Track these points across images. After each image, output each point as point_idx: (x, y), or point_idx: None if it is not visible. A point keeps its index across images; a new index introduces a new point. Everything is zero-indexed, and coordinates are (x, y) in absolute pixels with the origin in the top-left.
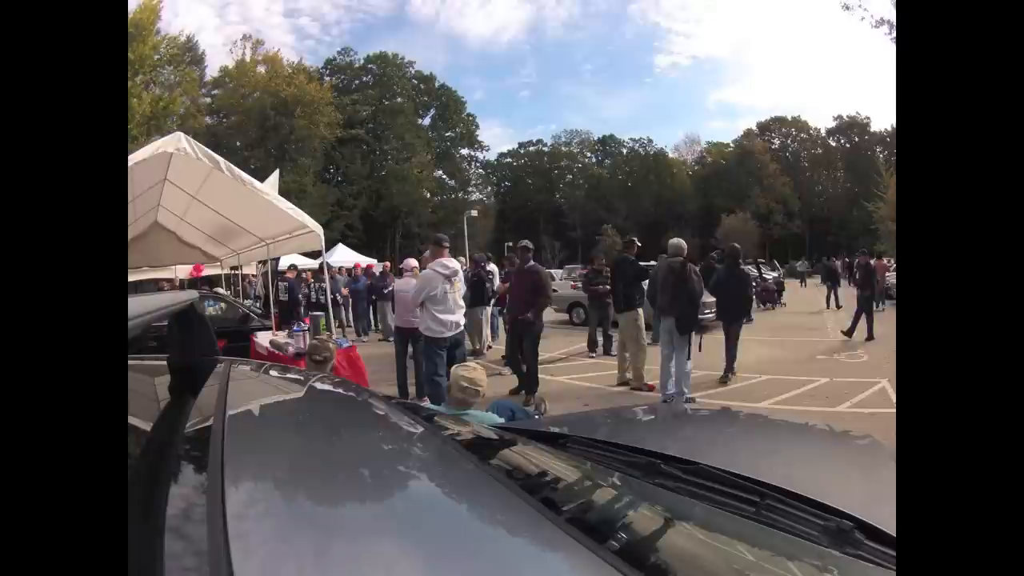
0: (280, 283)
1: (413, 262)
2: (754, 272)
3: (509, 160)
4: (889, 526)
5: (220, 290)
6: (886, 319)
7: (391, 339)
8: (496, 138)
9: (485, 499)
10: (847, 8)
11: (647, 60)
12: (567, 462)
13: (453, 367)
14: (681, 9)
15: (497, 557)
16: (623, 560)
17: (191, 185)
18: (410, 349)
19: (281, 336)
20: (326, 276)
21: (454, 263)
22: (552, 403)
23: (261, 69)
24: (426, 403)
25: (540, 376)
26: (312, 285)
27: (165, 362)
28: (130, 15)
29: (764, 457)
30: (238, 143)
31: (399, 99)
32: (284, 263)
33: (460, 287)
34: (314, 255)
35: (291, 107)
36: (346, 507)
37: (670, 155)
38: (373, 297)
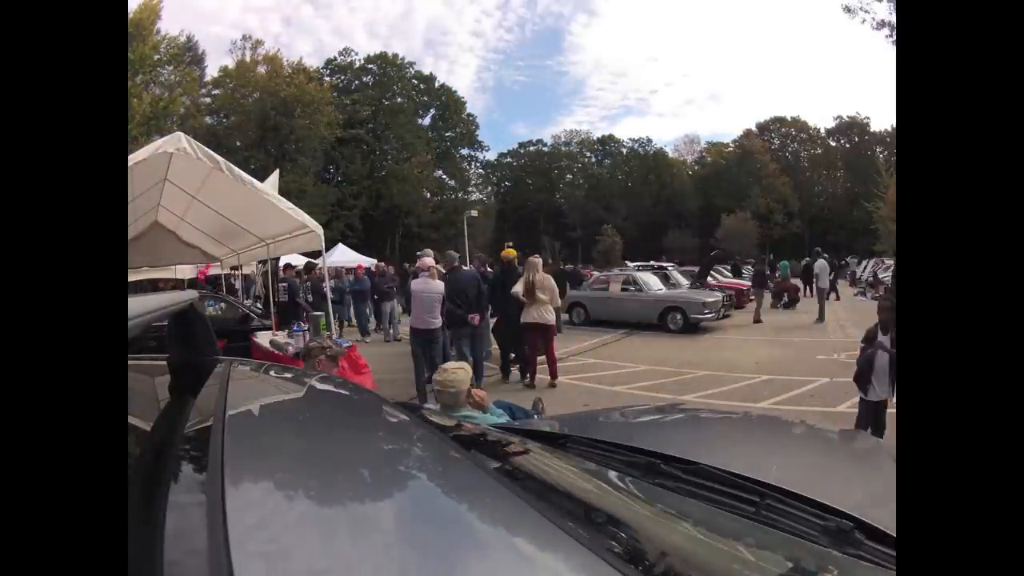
0: (280, 284)
1: (430, 261)
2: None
3: (509, 160)
4: (889, 526)
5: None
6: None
7: (396, 339)
8: None
9: (485, 499)
10: (848, 10)
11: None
12: (567, 462)
13: (435, 374)
14: (576, 93)
15: (497, 557)
16: (623, 560)
17: (191, 185)
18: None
19: (281, 336)
20: (325, 275)
21: None
22: (552, 403)
23: (261, 69)
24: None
25: (541, 376)
26: (304, 285)
27: (165, 362)
28: (130, 15)
29: (764, 457)
30: (238, 143)
31: (399, 99)
32: (284, 263)
33: None
34: (314, 255)
35: (291, 107)
36: (346, 507)
37: (670, 155)
38: (376, 297)
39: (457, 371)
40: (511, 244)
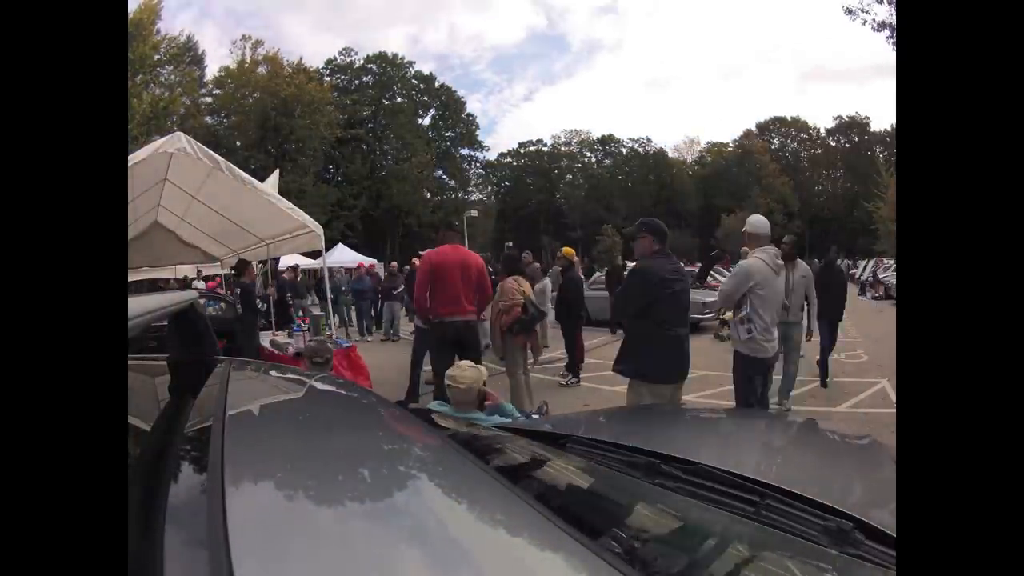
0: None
1: None
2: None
3: (509, 160)
4: (889, 526)
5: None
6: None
7: (395, 339)
8: None
9: (485, 499)
10: (849, 12)
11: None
12: (567, 462)
13: (448, 370)
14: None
15: (497, 557)
16: (623, 560)
17: (191, 185)
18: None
19: (281, 336)
20: (325, 276)
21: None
22: (552, 403)
23: (261, 69)
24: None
25: (540, 376)
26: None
27: (165, 362)
28: (130, 15)
29: (764, 457)
30: (238, 143)
31: (399, 99)
32: (284, 263)
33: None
34: (314, 255)
35: (291, 107)
36: (346, 507)
37: (670, 155)
38: (379, 296)
39: (471, 369)
40: (511, 244)
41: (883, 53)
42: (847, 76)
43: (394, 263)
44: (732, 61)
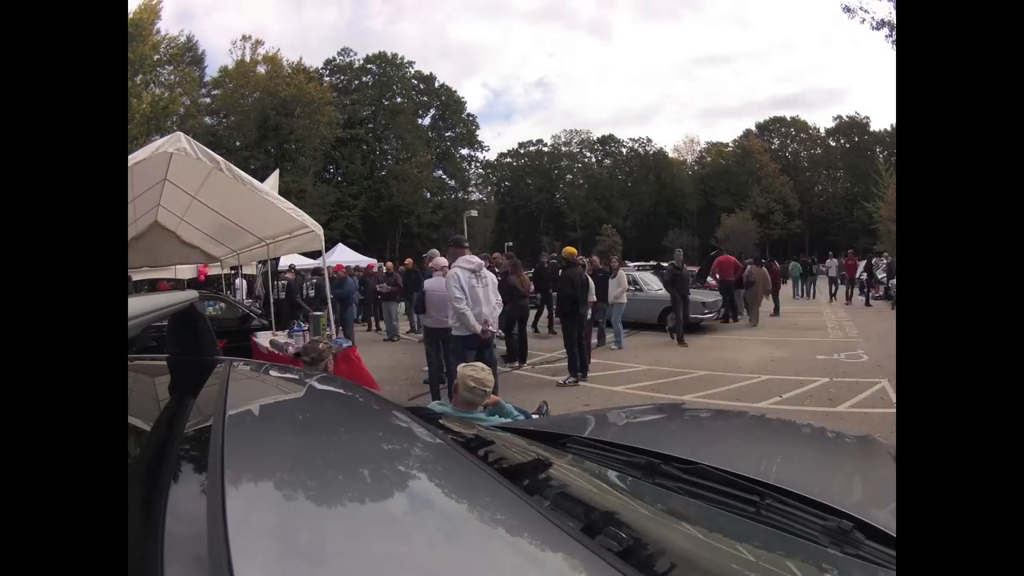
0: (279, 282)
1: (443, 260)
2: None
3: (509, 160)
4: (889, 526)
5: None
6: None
7: (395, 338)
8: None
9: (485, 499)
10: (848, 10)
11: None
12: (567, 462)
13: (460, 366)
14: None
15: (497, 557)
16: (623, 560)
17: (191, 185)
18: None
19: (281, 336)
20: (325, 276)
21: (477, 259)
22: (552, 403)
23: (261, 69)
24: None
25: (540, 376)
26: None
27: (165, 362)
28: (130, 15)
29: (764, 457)
30: (238, 143)
31: (399, 99)
32: (284, 263)
33: (491, 283)
34: (314, 255)
35: (291, 107)
36: (346, 507)
37: (670, 155)
38: (378, 296)
39: (485, 371)
40: (510, 244)
41: (770, 89)
42: (745, 111)
43: (389, 263)
44: (642, 104)
